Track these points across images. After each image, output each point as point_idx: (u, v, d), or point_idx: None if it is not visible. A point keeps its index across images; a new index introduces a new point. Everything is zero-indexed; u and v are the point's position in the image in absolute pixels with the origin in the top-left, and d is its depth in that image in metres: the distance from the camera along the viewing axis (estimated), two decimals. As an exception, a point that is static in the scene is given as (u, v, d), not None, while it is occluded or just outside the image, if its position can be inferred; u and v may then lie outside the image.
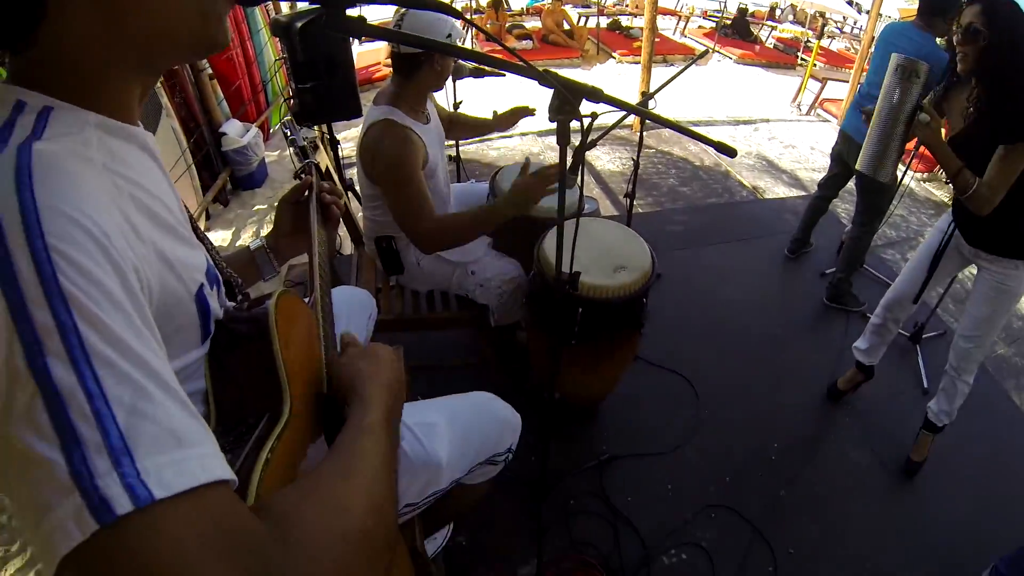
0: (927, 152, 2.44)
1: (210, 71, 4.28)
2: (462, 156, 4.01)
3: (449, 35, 2.00)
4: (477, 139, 5.42)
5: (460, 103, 3.30)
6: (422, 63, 2.07)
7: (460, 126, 2.85)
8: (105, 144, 0.64)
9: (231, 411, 0.77)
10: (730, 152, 1.54)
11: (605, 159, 5.34)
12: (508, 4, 12.22)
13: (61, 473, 0.42)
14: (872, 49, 4.04)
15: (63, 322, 0.45)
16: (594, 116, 1.06)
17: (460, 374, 2.82)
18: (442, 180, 2.37)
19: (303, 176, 1.39)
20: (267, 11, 5.10)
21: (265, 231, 1.65)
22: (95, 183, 0.56)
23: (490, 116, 2.82)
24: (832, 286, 3.76)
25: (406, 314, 2.49)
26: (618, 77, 8.32)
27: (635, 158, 3.22)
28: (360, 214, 2.57)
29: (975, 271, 2.46)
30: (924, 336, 3.52)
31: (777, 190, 5.30)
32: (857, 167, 2.45)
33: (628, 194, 3.30)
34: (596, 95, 0.96)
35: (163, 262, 0.65)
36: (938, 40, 3.22)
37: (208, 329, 0.78)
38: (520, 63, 0.90)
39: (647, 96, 2.44)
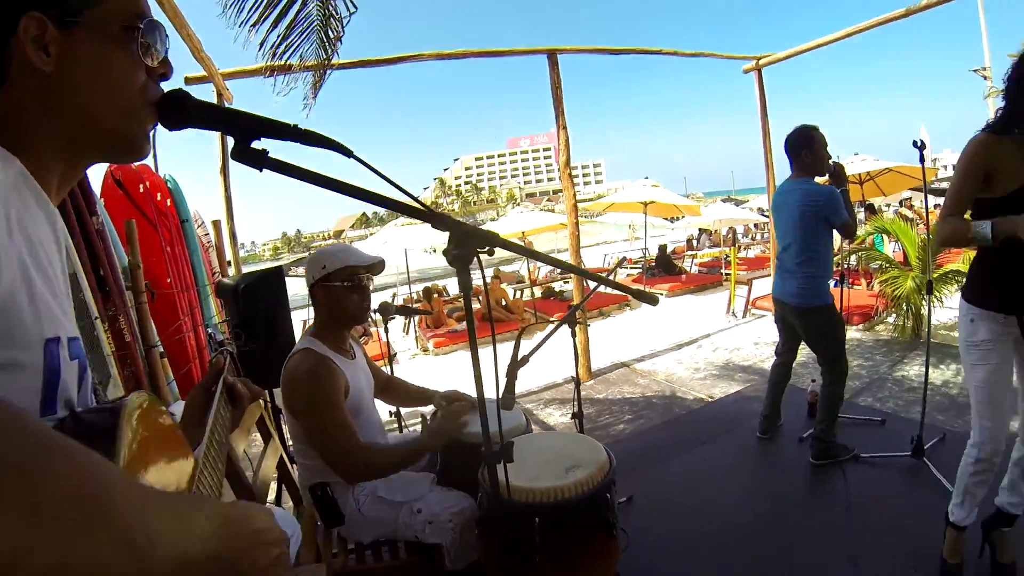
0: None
1: (161, 349, 4.31)
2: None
3: (324, 267, 2.18)
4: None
5: (395, 354, 3.32)
6: (316, 294, 2.23)
7: (397, 391, 2.81)
8: (19, 182, 0.69)
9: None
10: (652, 300, 1.63)
11: (550, 420, 5.41)
12: (445, 291, 13.24)
13: None
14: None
15: None
16: (491, 252, 1.09)
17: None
18: (370, 416, 2.35)
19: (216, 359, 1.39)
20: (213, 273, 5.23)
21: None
22: None
23: (431, 391, 2.79)
24: (816, 444, 3.72)
25: (350, 567, 2.28)
26: (558, 338, 8.71)
27: (576, 379, 3.19)
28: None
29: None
30: (926, 447, 3.58)
31: (731, 390, 5.42)
32: None
33: (576, 414, 3.16)
34: (491, 240, 1.07)
35: (23, 272, 0.65)
36: (816, 179, 3.69)
37: (51, 399, 0.69)
38: (417, 204, 1.00)
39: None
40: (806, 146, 3.65)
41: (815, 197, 3.57)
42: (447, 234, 1.05)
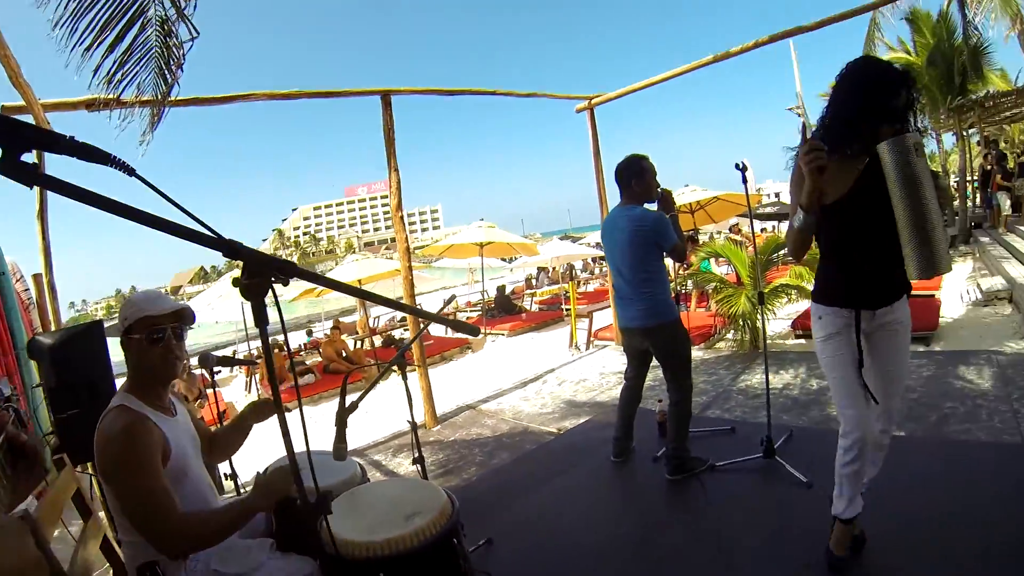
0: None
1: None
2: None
3: (126, 318, 1.93)
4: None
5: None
6: (123, 347, 1.97)
7: (221, 440, 2.51)
8: None
9: None
10: (472, 331, 1.63)
11: (400, 469, 5.06)
12: (284, 346, 12.53)
13: None
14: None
15: None
16: (285, 282, 1.00)
17: None
18: (199, 479, 2.06)
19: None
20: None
21: None
22: None
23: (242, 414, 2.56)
24: (671, 460, 3.71)
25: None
26: (400, 387, 8.33)
27: (412, 423, 2.89)
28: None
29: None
30: (776, 446, 3.71)
31: (581, 420, 5.34)
32: (916, 278, 2.16)
33: (416, 459, 2.89)
34: (288, 269, 0.98)
35: None
36: (646, 206, 3.74)
37: None
38: (205, 230, 0.91)
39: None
40: (636, 175, 3.72)
41: (643, 222, 3.64)
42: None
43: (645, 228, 3.61)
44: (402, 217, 6.00)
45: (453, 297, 3.47)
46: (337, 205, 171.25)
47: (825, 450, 3.73)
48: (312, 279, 1.19)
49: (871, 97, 2.13)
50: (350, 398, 2.21)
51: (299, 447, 1.17)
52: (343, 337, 11.40)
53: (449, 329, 14.01)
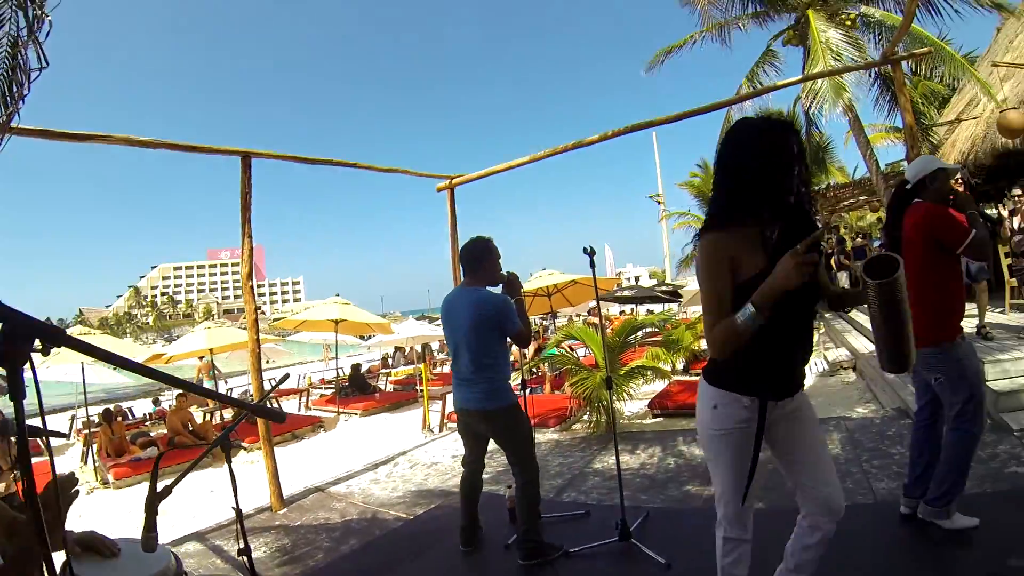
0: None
1: None
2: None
3: None
4: None
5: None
6: None
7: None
8: None
9: None
10: (278, 417, 1.57)
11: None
12: (130, 414, 11.70)
13: None
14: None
15: None
16: (46, 352, 0.88)
17: None
18: None
19: None
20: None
21: None
22: None
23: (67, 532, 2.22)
24: (524, 545, 3.63)
25: None
26: (251, 466, 7.98)
27: (237, 510, 2.73)
28: None
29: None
30: (631, 529, 3.71)
31: (432, 505, 5.29)
32: (890, 373, 2.16)
33: (241, 551, 2.65)
34: (54, 335, 0.86)
35: None
36: (488, 288, 3.74)
37: None
38: None
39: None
40: (486, 257, 3.76)
41: (487, 306, 3.63)
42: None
43: (488, 312, 3.61)
44: (252, 287, 5.80)
45: (286, 377, 3.38)
46: (199, 267, 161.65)
47: (682, 530, 3.94)
48: (86, 350, 1.01)
49: (770, 155, 2.00)
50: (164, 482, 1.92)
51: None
52: (191, 408, 10.72)
53: (303, 406, 13.64)
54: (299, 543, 4.70)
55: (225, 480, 2.12)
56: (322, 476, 6.72)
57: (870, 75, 12.29)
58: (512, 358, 13.19)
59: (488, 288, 3.77)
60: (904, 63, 7.00)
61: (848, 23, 12.17)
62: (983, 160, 9.53)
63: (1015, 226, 8.89)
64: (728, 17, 13.49)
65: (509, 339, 3.74)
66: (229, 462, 2.33)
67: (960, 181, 3.94)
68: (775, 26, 13.56)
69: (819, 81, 10.83)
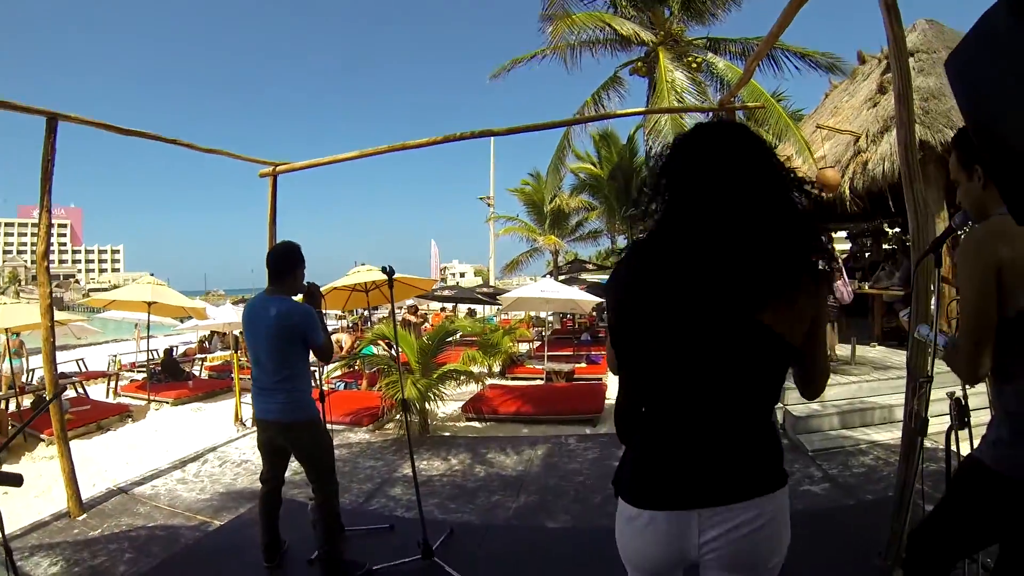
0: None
1: None
2: None
3: None
4: None
5: None
6: None
7: None
8: None
9: None
10: (15, 482, 1.59)
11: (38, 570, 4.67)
12: None
13: None
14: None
15: None
16: None
17: None
18: None
19: None
20: None
21: None
22: None
23: None
24: (325, 564, 3.64)
25: None
26: (51, 462, 7.58)
27: None
28: None
29: None
30: (434, 547, 3.77)
31: (241, 510, 5.25)
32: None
33: None
34: None
35: None
36: (295, 297, 3.71)
37: None
38: None
39: None
40: (298, 266, 3.72)
41: (292, 316, 3.55)
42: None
43: (294, 322, 3.53)
44: (47, 267, 5.36)
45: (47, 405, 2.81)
46: (7, 225, 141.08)
47: (488, 548, 4.03)
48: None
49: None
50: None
51: None
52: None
53: (111, 392, 12.83)
54: (100, 554, 4.49)
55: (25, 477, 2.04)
56: (128, 474, 6.55)
57: (707, 117, 13.47)
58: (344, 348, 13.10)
59: (292, 298, 3.70)
60: (739, 112, 7.99)
61: (695, 66, 13.34)
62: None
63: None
64: (580, 40, 13.97)
65: (312, 352, 3.69)
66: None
67: None
68: (625, 56, 14.56)
69: (662, 118, 11.88)
